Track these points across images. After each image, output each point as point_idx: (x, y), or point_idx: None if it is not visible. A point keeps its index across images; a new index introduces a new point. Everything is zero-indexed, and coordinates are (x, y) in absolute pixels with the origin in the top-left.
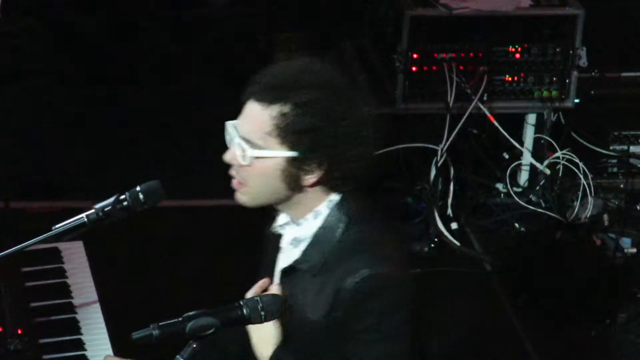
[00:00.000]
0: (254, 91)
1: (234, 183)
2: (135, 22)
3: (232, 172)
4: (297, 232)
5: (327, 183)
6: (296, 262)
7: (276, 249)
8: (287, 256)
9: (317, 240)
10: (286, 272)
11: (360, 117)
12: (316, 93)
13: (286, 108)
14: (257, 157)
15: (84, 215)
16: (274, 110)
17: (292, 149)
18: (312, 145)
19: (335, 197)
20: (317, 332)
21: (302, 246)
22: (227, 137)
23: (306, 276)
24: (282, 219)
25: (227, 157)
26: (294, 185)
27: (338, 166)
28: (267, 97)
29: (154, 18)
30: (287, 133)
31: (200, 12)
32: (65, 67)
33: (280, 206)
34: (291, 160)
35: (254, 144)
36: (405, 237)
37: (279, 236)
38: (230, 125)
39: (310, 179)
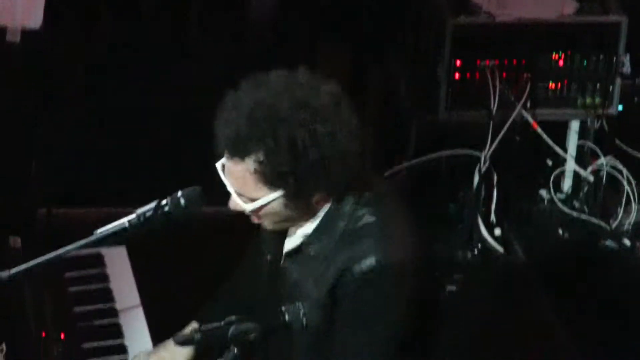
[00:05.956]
0: (223, 148)
1: (253, 219)
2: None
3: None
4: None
5: (334, 194)
6: (303, 244)
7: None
8: (292, 240)
9: (324, 224)
10: (291, 254)
11: (338, 130)
12: (282, 132)
13: (260, 156)
14: (256, 209)
15: (125, 220)
16: (249, 163)
17: (282, 188)
18: (299, 180)
19: None
20: (319, 309)
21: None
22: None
23: (312, 258)
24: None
25: (231, 206)
26: (304, 209)
27: (336, 183)
28: (238, 152)
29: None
30: (271, 178)
31: None
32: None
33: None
34: (289, 196)
35: (248, 197)
36: (448, 243)
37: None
38: (220, 172)
39: (315, 199)
